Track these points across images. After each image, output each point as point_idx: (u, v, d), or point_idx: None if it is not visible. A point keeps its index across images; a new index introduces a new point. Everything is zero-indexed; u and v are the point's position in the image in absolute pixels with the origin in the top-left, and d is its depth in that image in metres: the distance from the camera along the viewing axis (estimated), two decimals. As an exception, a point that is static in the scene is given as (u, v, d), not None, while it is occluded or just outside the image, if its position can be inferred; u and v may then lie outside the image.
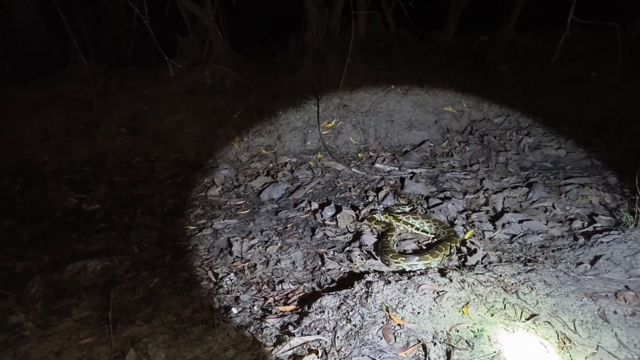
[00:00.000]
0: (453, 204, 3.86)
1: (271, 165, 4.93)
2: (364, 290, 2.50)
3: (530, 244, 3.18)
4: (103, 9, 7.96)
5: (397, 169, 4.72)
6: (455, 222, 3.58)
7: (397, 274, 2.71)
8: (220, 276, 3.06)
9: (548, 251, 2.98)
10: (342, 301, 2.43)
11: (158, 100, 5.42)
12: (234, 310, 2.56)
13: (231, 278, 3.03)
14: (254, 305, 2.67)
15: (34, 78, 5.96)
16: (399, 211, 3.82)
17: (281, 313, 2.51)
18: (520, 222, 3.43)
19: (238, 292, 2.86)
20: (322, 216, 3.87)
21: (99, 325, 2.48)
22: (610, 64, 5.74)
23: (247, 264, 3.22)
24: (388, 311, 2.29)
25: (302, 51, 5.98)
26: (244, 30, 6.76)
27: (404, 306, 2.32)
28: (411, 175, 4.51)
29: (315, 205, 4.05)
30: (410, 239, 3.44)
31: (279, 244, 3.48)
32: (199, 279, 3.05)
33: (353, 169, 4.73)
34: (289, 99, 5.49)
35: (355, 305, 2.38)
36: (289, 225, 3.79)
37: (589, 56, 6.04)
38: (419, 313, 2.27)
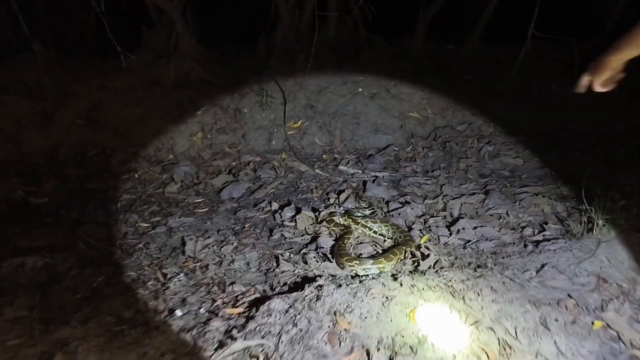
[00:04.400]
0: (412, 209, 3.89)
1: (234, 163, 4.84)
2: (314, 294, 2.47)
3: (483, 249, 3.23)
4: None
5: (360, 171, 4.73)
6: (412, 227, 3.60)
7: (350, 278, 2.70)
8: (169, 276, 2.95)
9: (498, 257, 3.03)
10: (290, 305, 2.39)
11: (118, 92, 5.22)
12: (178, 313, 2.46)
13: (180, 279, 2.93)
14: (200, 308, 2.58)
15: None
16: (359, 214, 3.82)
17: (228, 316, 2.43)
18: (475, 228, 3.49)
19: (186, 293, 2.76)
20: (281, 217, 3.82)
21: (31, 326, 2.33)
22: (567, 77, 5.98)
23: (199, 264, 3.13)
24: (336, 315, 2.26)
25: (271, 51, 5.92)
26: (212, 28, 6.62)
27: (352, 310, 2.30)
28: (374, 178, 4.52)
29: (275, 206, 3.99)
30: (367, 242, 3.44)
31: (235, 244, 3.40)
32: (147, 278, 2.94)
33: (317, 170, 4.70)
34: (256, 98, 5.41)
35: (304, 309, 2.34)
36: (247, 225, 3.72)
37: (547, 70, 6.25)
38: (366, 318, 2.25)
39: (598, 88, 2.05)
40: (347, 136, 5.31)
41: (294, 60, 6.02)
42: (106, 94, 5.16)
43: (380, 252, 3.28)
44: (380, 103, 5.54)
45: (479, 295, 2.44)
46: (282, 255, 3.24)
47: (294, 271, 3.02)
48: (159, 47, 5.72)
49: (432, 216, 3.79)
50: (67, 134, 4.78)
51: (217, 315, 2.47)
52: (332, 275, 2.84)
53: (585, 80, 2.09)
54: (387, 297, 2.40)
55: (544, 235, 3.35)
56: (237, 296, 2.72)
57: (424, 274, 2.73)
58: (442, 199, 4.08)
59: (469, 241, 3.36)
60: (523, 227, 3.55)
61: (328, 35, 6.16)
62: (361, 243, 3.42)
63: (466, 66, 6.31)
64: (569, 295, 2.46)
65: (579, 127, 5.51)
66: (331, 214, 3.77)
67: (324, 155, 5.05)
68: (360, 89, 5.60)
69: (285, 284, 2.87)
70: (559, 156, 5.04)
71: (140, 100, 5.10)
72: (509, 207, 3.89)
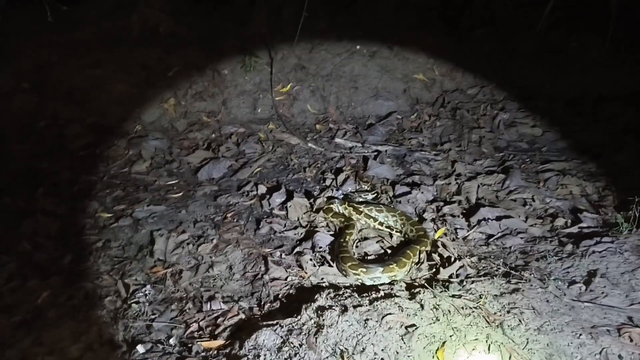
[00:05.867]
0: (422, 192, 3.34)
1: (213, 135, 4.17)
2: (313, 322, 1.95)
3: (510, 247, 2.73)
4: None
5: (359, 145, 4.12)
6: (424, 216, 3.07)
7: (356, 294, 2.17)
8: (132, 289, 2.40)
9: (531, 259, 2.54)
10: (284, 338, 1.87)
11: (72, 49, 4.39)
12: (141, 349, 1.93)
13: (147, 292, 2.37)
14: (170, 337, 2.06)
15: None
16: (361, 200, 3.26)
17: (203, 353, 1.91)
18: (498, 219, 2.97)
19: (153, 313, 2.22)
20: (269, 204, 3.24)
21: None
22: (591, 33, 5.30)
23: (170, 269, 2.57)
24: (343, 358, 1.75)
25: (254, -1, 5.07)
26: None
27: (363, 349, 1.79)
28: (375, 154, 3.93)
29: (262, 189, 3.40)
30: (372, 237, 2.90)
31: (215, 241, 2.85)
32: (104, 292, 2.38)
33: (309, 144, 4.08)
34: (237, 57, 4.64)
35: (302, 346, 1.82)
36: (229, 215, 3.14)
37: (569, 25, 5.53)
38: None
39: None
40: (343, 102, 4.64)
41: (280, 10, 5.18)
42: (56, 51, 4.32)
43: (390, 252, 2.74)
44: (381, 63, 4.83)
45: (520, 321, 1.95)
46: (271, 255, 2.70)
47: (286, 279, 2.50)
48: (120, -7, 4.83)
49: (446, 202, 3.26)
50: (9, 100, 4.00)
51: (190, 350, 1.95)
52: (333, 287, 2.31)
53: None
54: (406, 328, 1.89)
55: (580, 228, 2.85)
56: (216, 318, 2.19)
57: (447, 287, 2.23)
58: (456, 179, 3.53)
59: (492, 236, 2.85)
60: (553, 216, 3.05)
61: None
62: (365, 239, 2.88)
63: (478, 19, 5.55)
64: (630, 319, 1.99)
65: (602, 90, 4.91)
66: (329, 200, 3.20)
67: (317, 125, 4.40)
68: (358, 47, 4.86)
69: (276, 297, 2.35)
70: (581, 125, 4.48)
71: (98, 60, 4.29)
72: (533, 189, 3.37)
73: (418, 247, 2.60)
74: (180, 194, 3.42)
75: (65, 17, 4.22)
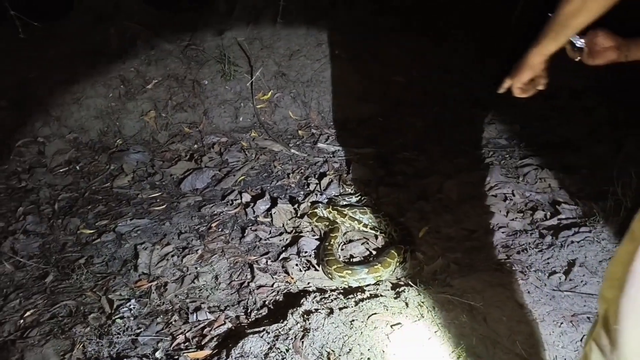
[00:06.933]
0: (405, 192, 3.38)
1: (195, 146, 4.15)
2: (299, 326, 1.96)
3: (492, 242, 2.77)
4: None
5: (342, 149, 4.15)
6: (407, 215, 3.10)
7: (342, 296, 2.19)
8: (116, 304, 2.37)
9: (513, 252, 2.58)
10: (271, 344, 1.87)
11: (51, 64, 4.35)
12: (126, 364, 1.91)
13: (131, 306, 2.35)
14: (156, 350, 2.04)
15: None
16: (345, 203, 3.28)
17: (190, 364, 1.90)
18: (480, 215, 3.02)
19: (138, 327, 2.20)
20: (254, 211, 3.24)
21: None
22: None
23: (155, 282, 2.55)
24: (329, 359, 1.76)
25: (233, 6, 5.07)
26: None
27: (349, 350, 1.80)
28: (358, 157, 3.96)
29: (246, 197, 3.40)
30: (357, 239, 2.92)
31: (200, 252, 2.83)
32: (88, 309, 2.35)
33: (292, 150, 4.09)
34: (217, 66, 4.65)
35: (288, 350, 1.83)
36: (213, 225, 3.13)
37: (541, 21, 5.68)
38: (369, 359, 1.76)
39: (517, 92, 1.57)
40: (324, 107, 4.67)
41: (259, 17, 5.20)
42: (35, 67, 4.28)
43: (374, 253, 2.77)
44: (361, 67, 4.87)
45: (503, 314, 1.98)
46: (257, 263, 2.70)
47: (272, 285, 2.50)
48: (97, 7, 4.80)
49: (428, 200, 3.30)
50: (-12, 119, 3.96)
51: (176, 362, 1.93)
52: (319, 291, 2.32)
53: (506, 83, 1.58)
54: (391, 326, 1.91)
55: (559, 220, 2.92)
56: (202, 328, 2.18)
57: (431, 284, 2.26)
58: (437, 178, 3.58)
59: (475, 231, 2.90)
60: (533, 209, 3.11)
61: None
62: (351, 241, 2.90)
63: (457, 19, 5.64)
64: (609, 306, 2.03)
65: (579, 84, 5.02)
66: (313, 205, 3.21)
67: (299, 131, 4.42)
68: (337, 52, 4.90)
69: (263, 304, 2.35)
70: (558, 120, 4.58)
71: (77, 75, 4.25)
72: (513, 184, 3.42)
73: (402, 246, 2.62)
74: (164, 206, 3.39)
75: (45, 32, 4.17)
